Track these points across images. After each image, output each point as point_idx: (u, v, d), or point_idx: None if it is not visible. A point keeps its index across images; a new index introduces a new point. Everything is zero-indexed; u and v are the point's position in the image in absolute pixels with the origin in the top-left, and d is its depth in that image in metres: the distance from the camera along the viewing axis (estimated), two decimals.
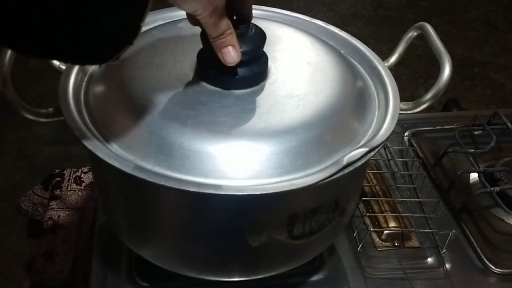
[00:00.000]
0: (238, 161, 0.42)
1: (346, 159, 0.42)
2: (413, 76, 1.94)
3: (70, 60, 0.40)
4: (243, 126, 0.44)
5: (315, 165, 0.43)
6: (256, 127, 0.44)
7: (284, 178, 0.42)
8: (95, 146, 0.42)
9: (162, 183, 0.40)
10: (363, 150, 0.43)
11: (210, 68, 0.46)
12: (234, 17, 0.46)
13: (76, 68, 0.50)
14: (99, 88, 0.49)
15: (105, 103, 0.47)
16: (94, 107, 0.47)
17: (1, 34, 0.34)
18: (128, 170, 0.40)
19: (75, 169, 0.86)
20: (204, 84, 0.47)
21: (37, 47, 0.36)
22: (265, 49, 0.47)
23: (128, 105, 0.45)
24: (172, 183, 0.40)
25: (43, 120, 0.48)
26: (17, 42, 0.35)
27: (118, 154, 0.42)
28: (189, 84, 0.47)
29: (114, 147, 0.43)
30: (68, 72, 0.49)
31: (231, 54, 0.44)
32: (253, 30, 0.46)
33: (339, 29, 0.59)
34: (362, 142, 0.46)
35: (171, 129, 0.43)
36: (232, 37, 0.43)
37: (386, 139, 0.46)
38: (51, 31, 0.34)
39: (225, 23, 0.43)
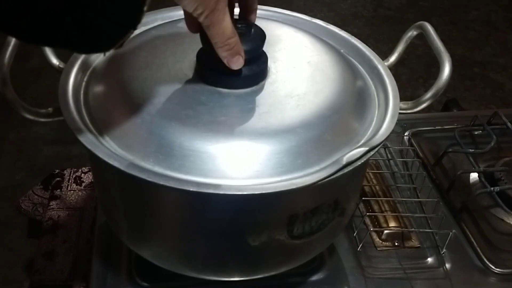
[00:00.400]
0: (238, 161, 0.42)
1: (345, 159, 0.42)
2: (413, 76, 1.94)
3: (75, 48, 0.39)
4: (243, 126, 0.44)
5: (315, 164, 0.43)
6: (256, 126, 0.44)
7: (284, 177, 0.42)
8: (94, 145, 0.42)
9: (162, 182, 0.40)
10: (363, 149, 0.43)
11: (209, 68, 0.46)
12: (235, 16, 0.46)
13: (76, 68, 0.50)
14: (99, 88, 0.49)
15: (104, 102, 0.47)
16: (93, 106, 0.47)
17: (7, 21, 0.34)
18: (127, 169, 0.40)
19: (75, 169, 0.85)
20: (203, 84, 0.47)
21: (44, 34, 0.35)
22: (265, 48, 0.47)
23: (128, 104, 0.45)
24: (172, 183, 0.40)
25: (42, 120, 0.48)
26: (23, 30, 0.35)
27: (118, 154, 0.42)
28: (188, 83, 0.47)
29: (114, 146, 0.43)
30: (67, 71, 0.49)
31: (238, 62, 0.44)
32: (252, 30, 0.46)
33: (339, 28, 0.59)
34: (362, 141, 0.46)
35: (170, 129, 0.43)
36: (237, 45, 0.43)
37: (386, 139, 0.46)
38: (58, 18, 0.34)
39: (229, 28, 0.41)
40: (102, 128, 0.45)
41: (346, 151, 0.43)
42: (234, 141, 0.43)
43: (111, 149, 0.43)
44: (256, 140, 0.43)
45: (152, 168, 0.41)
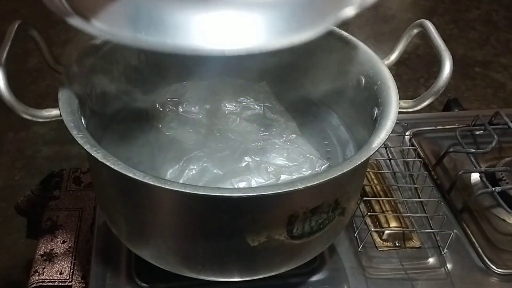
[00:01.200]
0: (233, 25, 0.41)
1: (340, 15, 0.42)
2: (414, 76, 1.94)
3: None
4: None
5: (309, 25, 0.42)
6: None
7: (280, 37, 0.41)
8: (78, 22, 0.41)
9: (160, 184, 0.39)
10: (356, 5, 0.42)
11: None
12: None
13: None
14: None
15: None
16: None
17: None
18: (122, 170, 0.40)
19: (74, 169, 0.85)
20: None
21: None
22: None
23: None
24: (168, 185, 0.40)
25: (40, 120, 0.48)
26: None
27: (109, 32, 0.41)
28: None
29: (102, 26, 0.41)
30: None
31: None
32: None
33: None
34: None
35: (159, 2, 0.41)
36: None
37: None
38: None
39: None
40: (88, 15, 0.42)
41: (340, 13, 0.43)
42: (228, 9, 0.41)
43: (96, 27, 0.41)
44: (249, 7, 0.41)
45: (145, 39, 0.40)
